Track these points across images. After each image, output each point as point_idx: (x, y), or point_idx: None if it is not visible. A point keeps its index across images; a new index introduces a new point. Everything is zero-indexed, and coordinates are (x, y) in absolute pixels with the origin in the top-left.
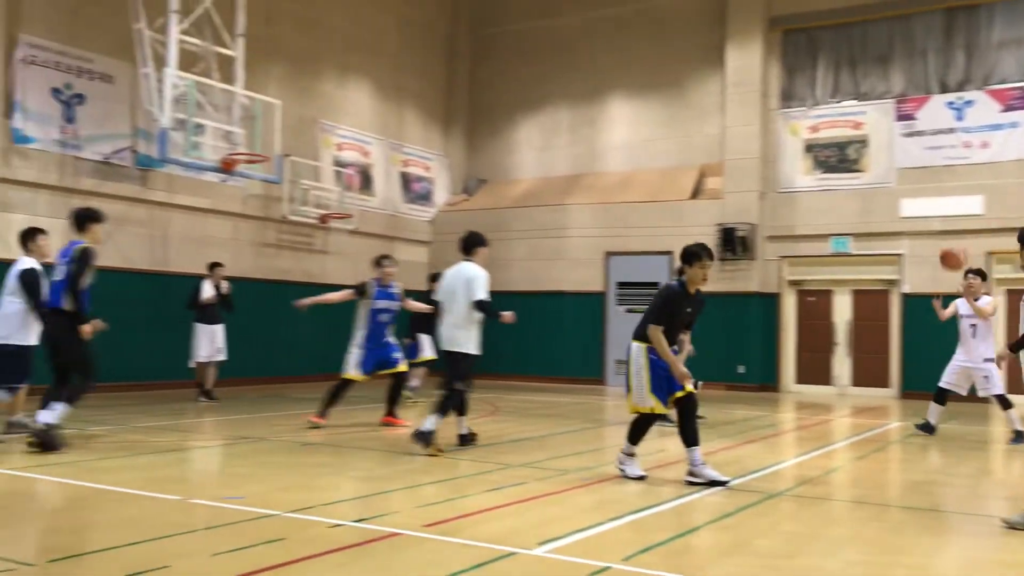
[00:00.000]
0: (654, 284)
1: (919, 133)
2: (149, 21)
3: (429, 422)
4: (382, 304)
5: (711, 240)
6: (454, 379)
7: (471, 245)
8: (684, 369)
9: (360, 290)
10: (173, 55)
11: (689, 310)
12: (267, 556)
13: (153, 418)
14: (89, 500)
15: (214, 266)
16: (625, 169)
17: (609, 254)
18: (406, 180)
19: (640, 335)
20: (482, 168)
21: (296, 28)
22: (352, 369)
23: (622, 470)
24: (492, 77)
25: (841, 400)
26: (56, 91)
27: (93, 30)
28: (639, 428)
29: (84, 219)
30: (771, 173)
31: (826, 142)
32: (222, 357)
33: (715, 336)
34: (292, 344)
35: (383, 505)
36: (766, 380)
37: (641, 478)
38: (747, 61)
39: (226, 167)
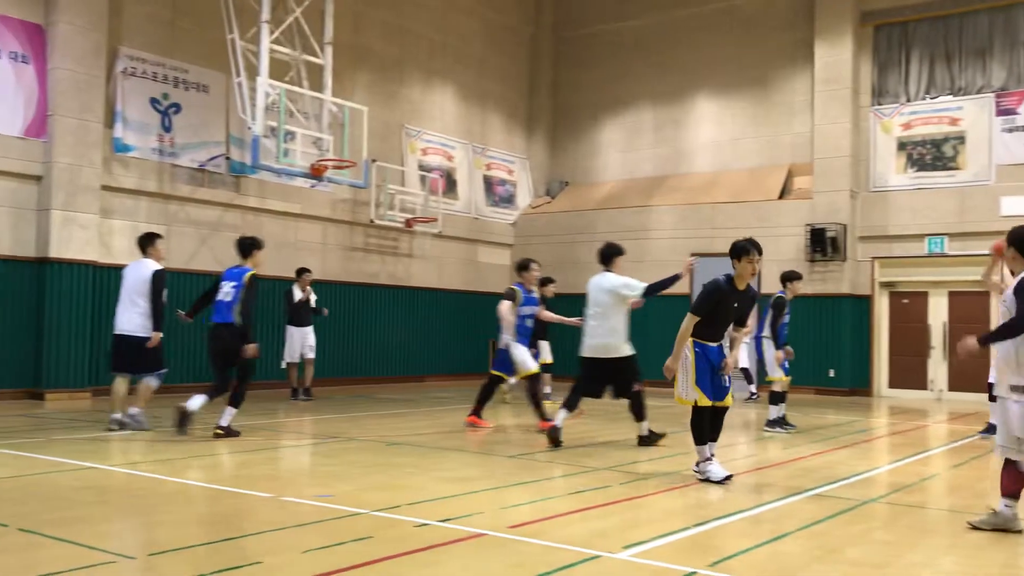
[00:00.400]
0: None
1: (1021, 128)
2: (241, 31)
3: (643, 427)
4: (527, 310)
5: (800, 241)
6: (633, 382)
7: (610, 256)
8: (674, 364)
9: (511, 296)
10: (264, 64)
11: (736, 305)
12: (355, 554)
13: (246, 417)
14: (185, 496)
15: (301, 272)
16: (711, 169)
17: (695, 255)
18: (489, 183)
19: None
20: (565, 170)
21: (383, 35)
22: (525, 366)
23: (704, 477)
24: (575, 79)
25: (937, 405)
26: (154, 101)
27: (188, 41)
28: (697, 426)
29: (250, 247)
30: (862, 172)
31: (921, 139)
32: (311, 355)
33: (805, 339)
34: (380, 346)
35: (468, 506)
36: (858, 384)
37: (727, 478)
38: (837, 57)
39: (315, 173)
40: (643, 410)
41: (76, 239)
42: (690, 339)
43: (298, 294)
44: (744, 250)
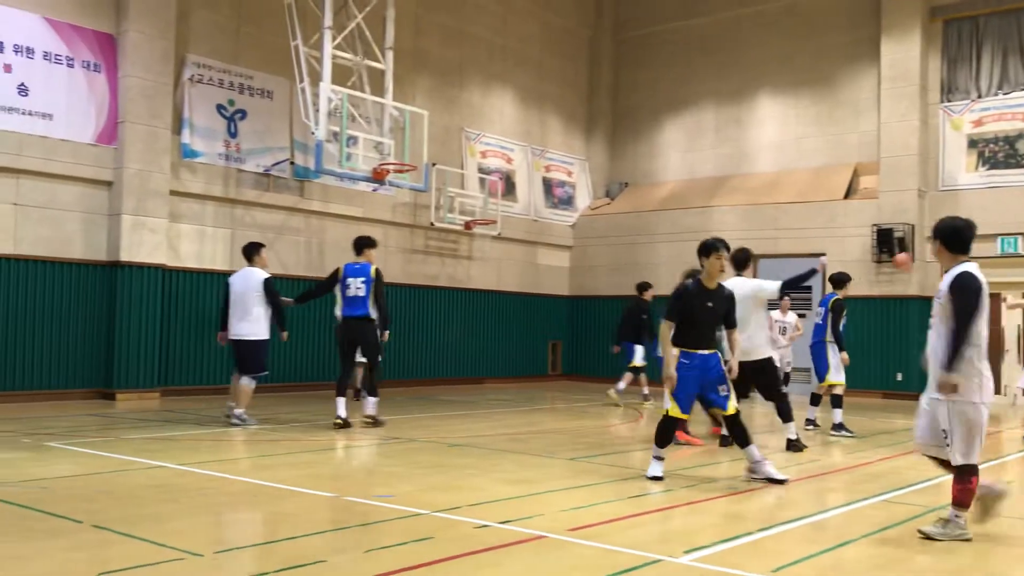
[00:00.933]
0: (806, 288)
1: None
2: (305, 38)
3: (790, 431)
4: None
5: (867, 242)
6: (777, 382)
7: (744, 261)
8: (673, 372)
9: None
10: (327, 70)
11: (711, 304)
12: (416, 554)
13: (310, 417)
14: (251, 495)
15: None
16: (774, 169)
17: (758, 257)
18: (548, 185)
19: (673, 339)
20: (624, 171)
21: (443, 39)
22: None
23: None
24: (634, 80)
25: (1013, 411)
26: (220, 107)
27: (253, 48)
28: (663, 433)
29: (364, 245)
30: (931, 170)
31: (993, 136)
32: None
33: (872, 342)
34: (439, 347)
35: (529, 508)
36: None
37: (655, 478)
38: (904, 54)
39: (377, 177)
40: (790, 412)
41: (146, 243)
42: (676, 349)
43: None
44: (713, 247)
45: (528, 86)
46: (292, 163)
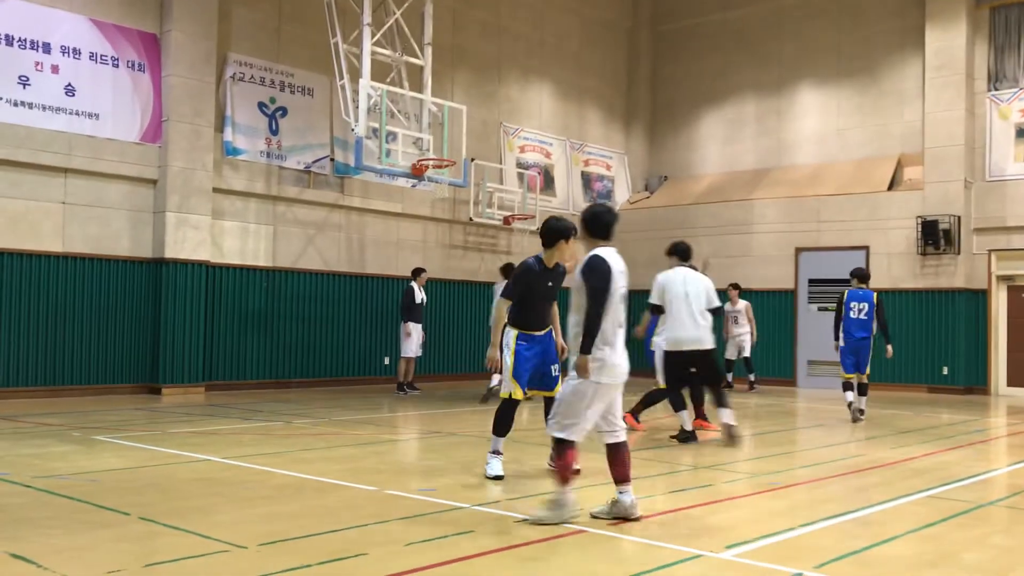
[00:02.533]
0: (845, 281)
1: None
2: (344, 35)
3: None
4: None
5: (912, 234)
6: (717, 375)
7: (688, 252)
8: (497, 354)
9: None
10: (367, 66)
11: (551, 284)
12: (457, 548)
13: (351, 411)
14: (295, 489)
15: (418, 271)
16: (816, 161)
17: (799, 250)
18: (587, 179)
19: (510, 320)
20: (664, 165)
21: (481, 34)
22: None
23: (486, 468)
24: (673, 72)
25: None
26: (261, 105)
27: (294, 46)
28: (504, 419)
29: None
30: (978, 161)
31: None
32: (421, 353)
33: (917, 335)
34: (479, 342)
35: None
36: (974, 382)
37: (497, 478)
38: (950, 42)
39: (416, 172)
40: (726, 398)
41: (190, 240)
42: (514, 332)
43: (419, 293)
44: (573, 230)
45: (566, 80)
46: (332, 160)
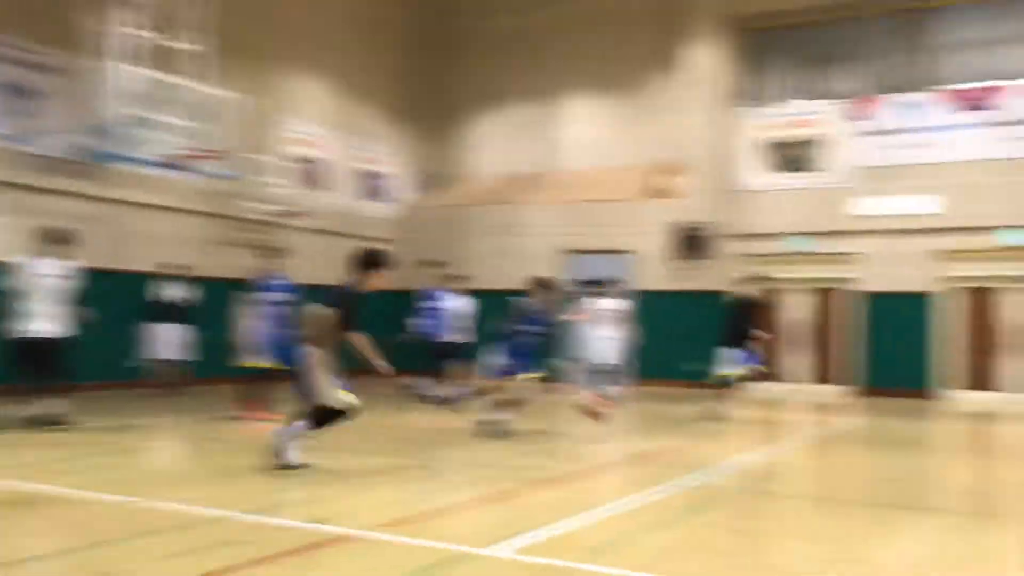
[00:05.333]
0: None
1: (876, 132)
2: (105, 15)
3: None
4: None
5: (668, 239)
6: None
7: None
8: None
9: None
10: (127, 49)
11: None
12: (217, 559)
13: (108, 418)
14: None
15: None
16: (585, 167)
17: (570, 252)
18: (364, 176)
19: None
20: (443, 165)
21: (253, 22)
22: None
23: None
24: (454, 73)
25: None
26: (9, 86)
27: (48, 24)
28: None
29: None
30: (728, 172)
31: (783, 141)
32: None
33: (671, 335)
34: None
35: (336, 506)
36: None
37: (304, 466)
38: (703, 60)
39: (181, 163)
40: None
41: None
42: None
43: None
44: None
45: (345, 74)
46: (88, 147)
